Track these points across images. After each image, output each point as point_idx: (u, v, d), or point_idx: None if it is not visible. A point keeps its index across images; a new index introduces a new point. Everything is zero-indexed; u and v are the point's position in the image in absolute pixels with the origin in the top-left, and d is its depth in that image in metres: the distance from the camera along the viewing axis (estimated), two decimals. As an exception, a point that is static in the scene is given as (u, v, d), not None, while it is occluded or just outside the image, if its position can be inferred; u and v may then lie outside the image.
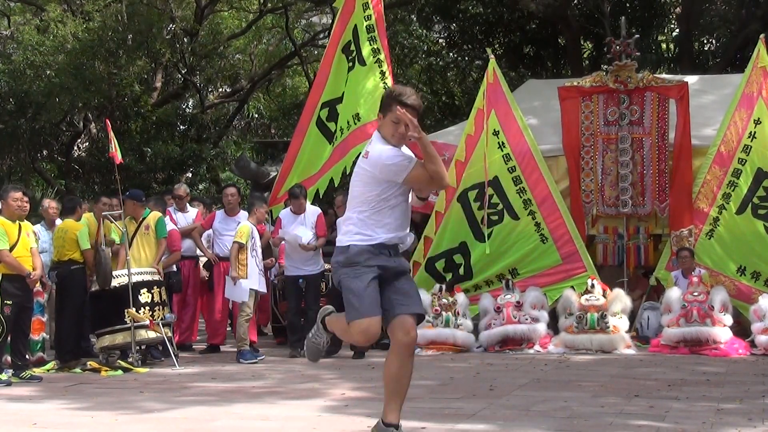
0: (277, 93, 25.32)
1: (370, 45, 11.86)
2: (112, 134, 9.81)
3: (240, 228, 9.87)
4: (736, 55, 17.39)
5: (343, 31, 12.17)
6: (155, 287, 9.44)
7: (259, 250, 9.93)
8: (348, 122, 11.77)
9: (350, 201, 4.95)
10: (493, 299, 10.42)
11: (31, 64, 18.43)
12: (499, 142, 11.18)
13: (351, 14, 12.10)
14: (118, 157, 9.66)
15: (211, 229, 10.91)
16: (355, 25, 11.99)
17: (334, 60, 12.20)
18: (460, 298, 10.51)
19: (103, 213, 9.87)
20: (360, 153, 13.13)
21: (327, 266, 10.28)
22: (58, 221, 10.39)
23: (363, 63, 11.88)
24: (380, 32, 11.95)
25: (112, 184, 14.49)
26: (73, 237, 9.51)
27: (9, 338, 8.44)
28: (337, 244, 4.93)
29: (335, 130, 11.95)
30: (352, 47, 12.03)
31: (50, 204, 10.82)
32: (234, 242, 9.76)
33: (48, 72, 18.48)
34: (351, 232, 4.87)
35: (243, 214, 10.69)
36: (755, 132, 10.72)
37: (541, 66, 20.17)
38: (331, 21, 18.19)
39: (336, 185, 12.14)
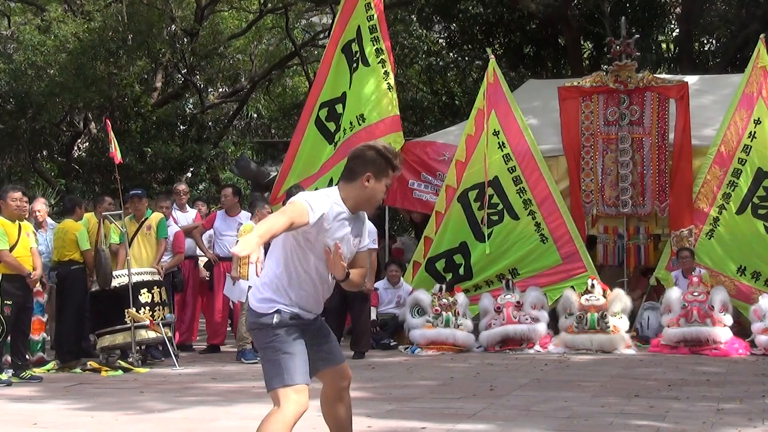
0: (277, 93, 25.32)
1: (374, 45, 11.89)
2: (112, 134, 9.81)
3: (244, 227, 9.87)
4: (736, 55, 17.38)
5: (343, 30, 12.17)
6: (155, 287, 9.44)
7: (261, 250, 9.89)
8: (351, 123, 11.78)
9: None
10: (493, 299, 10.42)
11: (32, 64, 18.42)
12: (499, 142, 11.18)
13: (351, 14, 12.10)
14: (118, 157, 9.66)
15: (211, 229, 10.92)
16: (358, 26, 12.00)
17: (333, 60, 12.21)
18: (460, 298, 10.51)
19: (103, 213, 9.87)
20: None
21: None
22: (49, 221, 10.38)
23: (367, 64, 11.89)
24: (383, 32, 11.98)
25: (113, 184, 14.48)
26: (72, 238, 9.50)
27: (9, 338, 8.44)
28: None
29: (335, 131, 11.95)
30: (355, 47, 12.03)
31: (34, 206, 10.39)
32: (237, 241, 9.75)
33: (50, 71, 18.46)
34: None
35: (244, 214, 10.69)
36: (755, 132, 10.73)
37: (541, 66, 20.16)
38: (331, 21, 18.19)
39: (335, 185, 12.12)
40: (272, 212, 11.12)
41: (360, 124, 11.73)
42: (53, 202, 16.92)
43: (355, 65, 12.03)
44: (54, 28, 18.68)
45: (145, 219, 9.89)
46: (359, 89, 11.88)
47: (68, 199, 10.54)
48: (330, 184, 11.95)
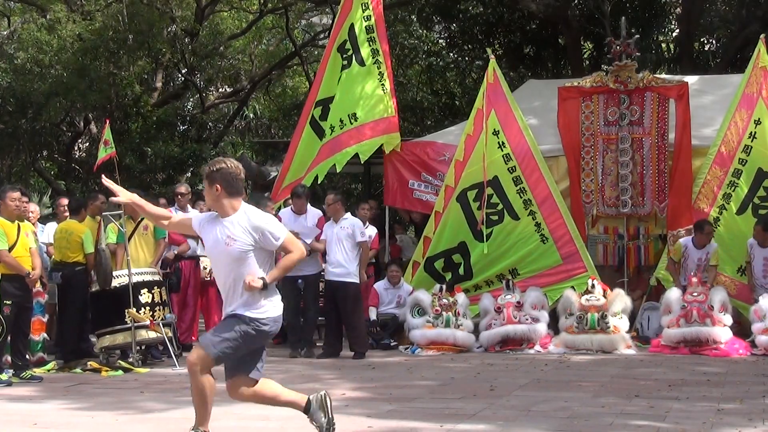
0: (277, 93, 25.32)
1: (370, 46, 11.86)
2: (105, 138, 9.73)
3: None
4: (736, 55, 17.38)
5: (340, 30, 12.17)
6: (155, 287, 9.43)
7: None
8: (341, 120, 11.74)
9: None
10: (494, 299, 10.42)
11: (37, 61, 18.41)
12: (499, 142, 11.18)
13: (348, 14, 12.09)
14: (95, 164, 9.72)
15: None
16: (352, 24, 11.98)
17: (330, 59, 12.20)
18: (461, 298, 10.51)
19: (103, 213, 9.85)
20: (356, 154, 12.95)
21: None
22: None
23: (362, 63, 11.87)
24: (380, 33, 11.95)
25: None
26: (77, 240, 9.43)
27: (9, 338, 8.44)
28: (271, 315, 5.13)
29: (326, 128, 11.92)
30: (348, 46, 12.01)
31: (60, 202, 10.78)
32: None
33: (53, 70, 18.45)
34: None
35: None
36: (755, 132, 10.73)
37: (541, 66, 20.16)
38: (331, 21, 18.19)
39: (319, 182, 12.10)
40: (274, 210, 11.15)
41: (352, 123, 11.69)
42: (49, 203, 16.91)
43: (346, 62, 12.00)
44: (58, 27, 18.68)
45: (142, 219, 9.84)
46: (352, 88, 11.84)
47: (73, 200, 10.45)
48: (315, 180, 11.87)
